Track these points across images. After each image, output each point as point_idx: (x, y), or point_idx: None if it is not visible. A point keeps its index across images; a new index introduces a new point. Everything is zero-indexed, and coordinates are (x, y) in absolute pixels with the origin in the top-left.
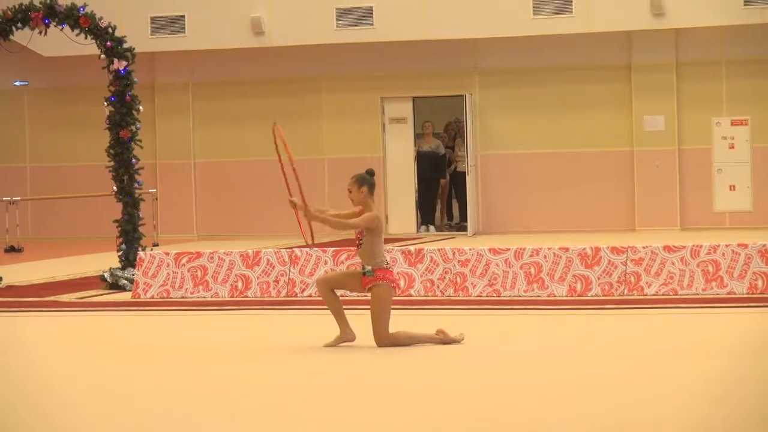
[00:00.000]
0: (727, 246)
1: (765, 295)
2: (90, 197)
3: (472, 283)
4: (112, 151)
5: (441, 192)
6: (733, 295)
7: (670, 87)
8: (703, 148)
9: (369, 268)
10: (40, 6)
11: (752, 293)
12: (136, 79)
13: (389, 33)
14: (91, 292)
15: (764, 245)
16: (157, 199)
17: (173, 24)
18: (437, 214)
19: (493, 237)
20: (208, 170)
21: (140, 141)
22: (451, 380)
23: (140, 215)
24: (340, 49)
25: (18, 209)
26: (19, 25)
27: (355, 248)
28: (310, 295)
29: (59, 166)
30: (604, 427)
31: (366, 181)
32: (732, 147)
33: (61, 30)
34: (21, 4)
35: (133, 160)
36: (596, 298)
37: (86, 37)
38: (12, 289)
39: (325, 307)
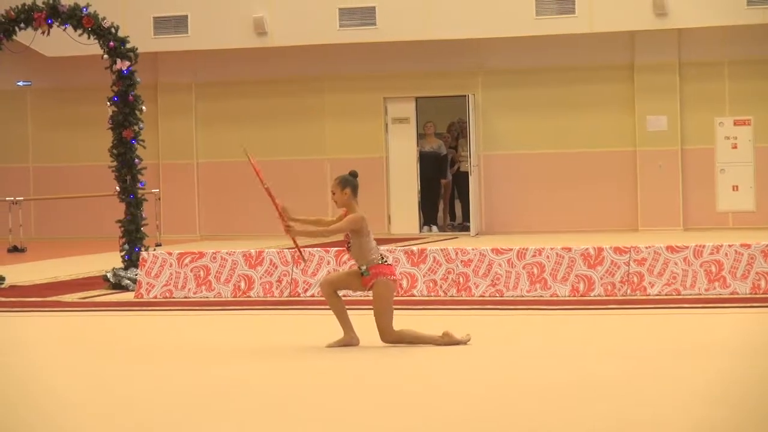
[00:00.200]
0: (730, 246)
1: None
2: (93, 197)
3: (474, 284)
4: (115, 151)
5: (444, 192)
6: (736, 296)
7: (673, 87)
8: (706, 148)
9: (364, 267)
10: (43, 6)
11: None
12: (139, 79)
13: (392, 33)
14: (93, 292)
15: (767, 245)
16: (159, 199)
17: (176, 24)
18: (440, 214)
19: (495, 237)
20: (211, 170)
21: (143, 141)
22: (454, 380)
23: (143, 215)
24: (342, 49)
25: (21, 209)
26: (22, 25)
27: (346, 250)
28: (312, 296)
29: (62, 166)
30: (606, 427)
31: (349, 182)
32: (735, 147)
33: (64, 30)
34: (24, 5)
35: (136, 160)
36: (599, 298)
37: (89, 38)
38: (15, 289)
39: (328, 307)
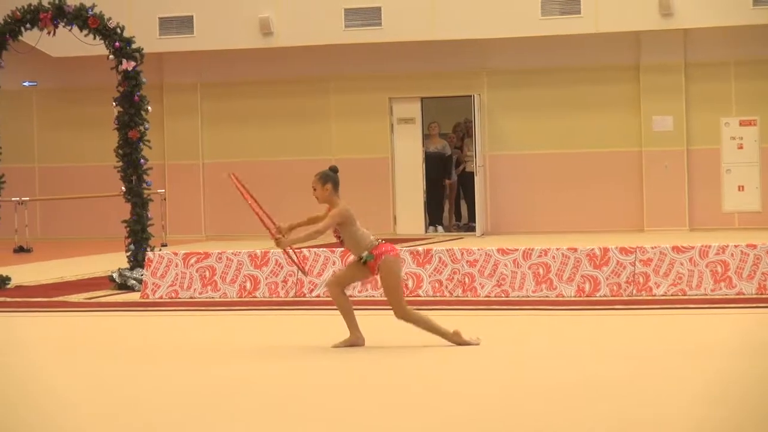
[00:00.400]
0: (736, 246)
1: None
2: (99, 198)
3: (480, 284)
4: (120, 152)
5: (449, 192)
6: (741, 296)
7: (678, 87)
8: (711, 148)
9: (365, 254)
10: (49, 6)
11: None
12: (144, 80)
13: (397, 33)
14: (99, 293)
15: None
16: (165, 199)
17: (182, 24)
18: (445, 214)
19: (501, 237)
20: (217, 170)
21: (149, 141)
22: (459, 381)
23: (149, 215)
24: (348, 49)
25: (27, 209)
26: (28, 25)
27: (340, 245)
28: (318, 296)
29: (68, 166)
30: (608, 427)
31: (330, 178)
32: (741, 147)
33: (70, 30)
34: (30, 5)
35: (142, 161)
36: (605, 298)
37: (95, 38)
38: (21, 290)
39: (333, 307)
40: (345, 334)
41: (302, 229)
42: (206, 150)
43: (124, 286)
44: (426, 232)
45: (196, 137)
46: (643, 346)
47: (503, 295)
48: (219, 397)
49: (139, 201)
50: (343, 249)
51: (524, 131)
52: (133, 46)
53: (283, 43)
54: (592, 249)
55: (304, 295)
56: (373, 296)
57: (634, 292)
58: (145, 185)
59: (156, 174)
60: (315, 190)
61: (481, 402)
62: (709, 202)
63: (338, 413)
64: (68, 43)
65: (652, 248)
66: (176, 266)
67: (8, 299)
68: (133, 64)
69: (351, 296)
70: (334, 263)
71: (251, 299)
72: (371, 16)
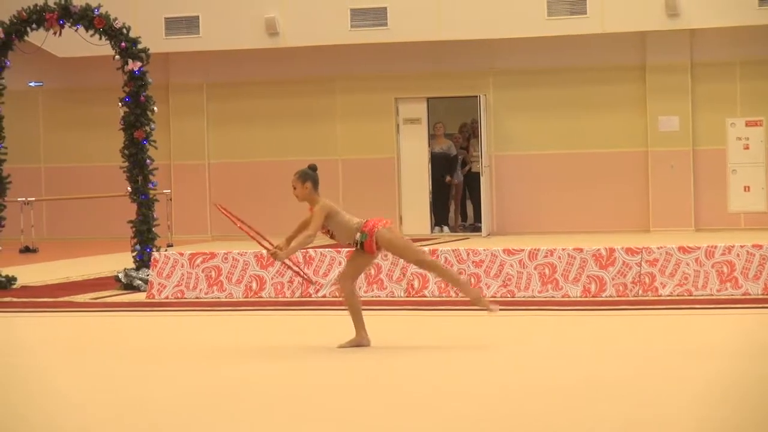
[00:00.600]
0: (741, 247)
1: None
2: (104, 198)
3: (486, 284)
4: (126, 152)
5: (455, 193)
6: (747, 296)
7: (684, 88)
8: (717, 148)
9: (358, 235)
10: (55, 7)
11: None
12: (150, 80)
13: (403, 33)
14: (105, 293)
15: None
16: (171, 199)
17: (187, 25)
18: (451, 214)
19: (507, 238)
20: (223, 171)
21: (155, 142)
22: (465, 381)
23: (154, 216)
24: (354, 49)
25: (33, 210)
26: (34, 26)
27: (334, 240)
28: (324, 296)
29: (74, 166)
30: (610, 427)
31: (309, 176)
32: (747, 148)
33: (76, 31)
34: (36, 5)
35: (148, 161)
36: (610, 299)
37: (101, 38)
38: (27, 290)
39: (340, 307)
40: (350, 334)
41: (298, 232)
42: (212, 150)
43: (130, 287)
44: (432, 232)
45: (202, 137)
46: (648, 347)
47: (509, 296)
48: (224, 398)
49: (145, 201)
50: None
51: (530, 131)
52: (139, 46)
53: (289, 44)
54: (598, 249)
55: (310, 296)
56: (379, 296)
57: (640, 292)
58: (150, 185)
59: (162, 174)
60: (295, 188)
61: (486, 402)
62: (715, 203)
63: (343, 413)
64: (74, 43)
65: (658, 248)
66: (182, 266)
67: (14, 299)
68: (139, 64)
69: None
70: (339, 263)
71: (257, 299)
72: (377, 17)
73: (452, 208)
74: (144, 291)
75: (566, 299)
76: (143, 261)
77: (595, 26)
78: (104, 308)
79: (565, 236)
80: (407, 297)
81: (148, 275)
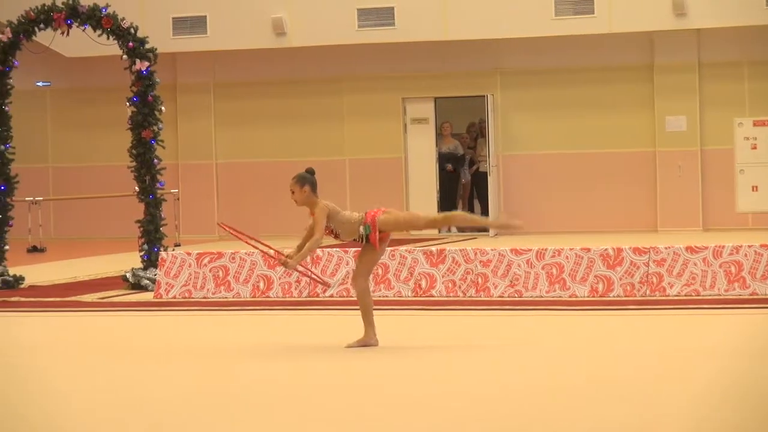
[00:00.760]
0: (749, 247)
1: None
2: (112, 197)
3: (493, 284)
4: (134, 152)
5: (462, 192)
6: (755, 296)
7: (692, 87)
8: (725, 148)
9: (361, 229)
10: (63, 7)
11: None
12: (158, 80)
13: (411, 33)
14: (113, 293)
15: None
16: (178, 199)
17: (195, 24)
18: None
19: (514, 237)
20: (230, 170)
21: (162, 141)
22: (472, 382)
23: (162, 215)
24: (361, 49)
25: (40, 209)
26: (42, 25)
27: (339, 240)
28: (332, 296)
29: (81, 166)
30: (615, 427)
31: (307, 180)
32: (754, 147)
33: (84, 31)
34: (44, 5)
35: (155, 161)
36: (618, 298)
37: (108, 38)
38: (34, 289)
39: (347, 307)
40: (358, 334)
41: (306, 240)
42: (219, 150)
43: (137, 286)
44: (439, 232)
45: (210, 137)
46: (657, 346)
47: (516, 296)
48: (231, 397)
49: (153, 201)
50: (355, 250)
51: (537, 131)
52: (147, 46)
53: (296, 43)
54: (606, 249)
55: (318, 296)
56: (386, 296)
57: (648, 292)
58: (158, 185)
59: (169, 174)
60: (293, 193)
61: (492, 402)
62: (723, 203)
63: (349, 414)
64: (82, 43)
65: (666, 248)
66: (189, 266)
67: (22, 299)
68: (146, 64)
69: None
70: (347, 263)
71: (264, 299)
72: (384, 16)
73: (460, 207)
74: (151, 291)
75: (574, 299)
76: (151, 261)
77: (602, 26)
78: (112, 308)
79: (573, 236)
80: (415, 297)
81: (155, 275)
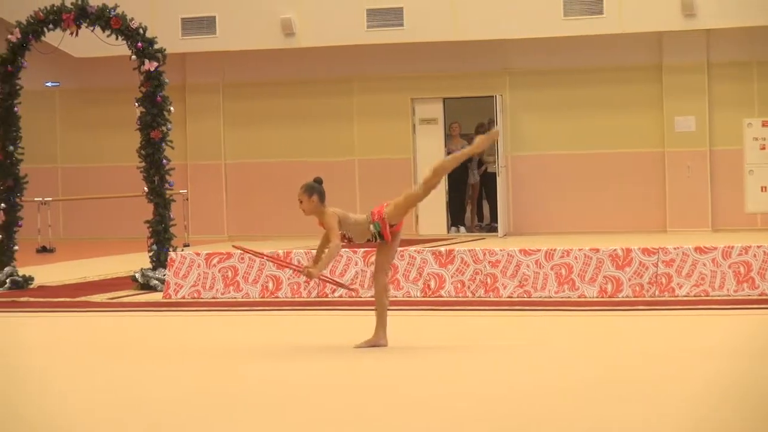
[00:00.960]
0: (758, 247)
1: None
2: (121, 198)
3: (502, 284)
4: (143, 152)
5: (471, 193)
6: (764, 297)
7: (701, 88)
8: (734, 149)
9: (372, 228)
10: (72, 7)
11: None
12: (167, 80)
13: (420, 34)
14: (122, 293)
15: None
16: (187, 199)
17: (204, 25)
18: (467, 215)
19: (523, 238)
20: (239, 171)
21: (171, 142)
22: (481, 382)
23: (171, 216)
24: (370, 50)
25: (49, 210)
26: (51, 26)
27: (351, 244)
28: (341, 296)
29: (90, 166)
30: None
31: (315, 189)
32: (763, 148)
33: (92, 31)
34: (53, 6)
35: (164, 161)
36: (627, 299)
37: (117, 38)
38: (44, 290)
39: (356, 308)
40: (367, 334)
41: (324, 255)
42: (228, 150)
43: (146, 287)
44: (448, 232)
45: (219, 137)
46: (666, 347)
47: (525, 296)
48: (241, 397)
49: (162, 201)
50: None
51: (546, 132)
52: (156, 46)
53: (306, 44)
54: (615, 250)
55: (327, 296)
56: (396, 296)
57: (657, 292)
58: (167, 185)
59: (178, 174)
60: (301, 202)
61: (500, 403)
62: (732, 203)
63: (357, 414)
64: (91, 43)
65: (675, 249)
66: (198, 266)
67: (31, 299)
68: (155, 64)
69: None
70: (356, 263)
71: (273, 299)
72: (393, 17)
73: (469, 208)
74: (160, 291)
75: (583, 299)
76: (160, 261)
77: (612, 26)
78: (121, 308)
79: (582, 236)
80: (424, 297)
81: (164, 275)
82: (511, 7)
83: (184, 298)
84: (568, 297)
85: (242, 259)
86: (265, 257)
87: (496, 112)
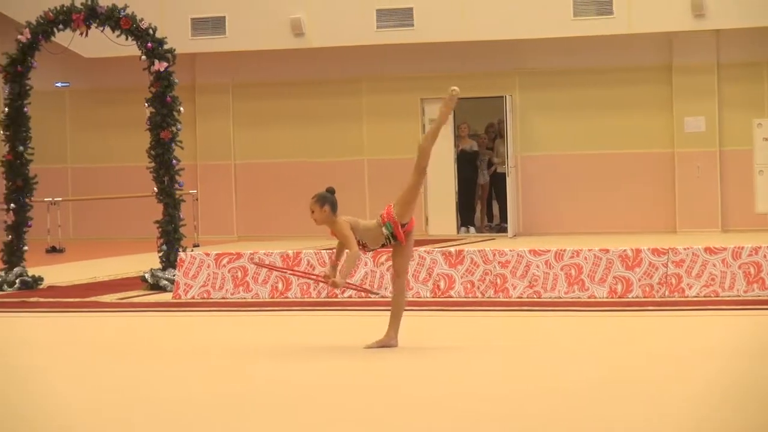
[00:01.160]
0: None
1: None
2: (131, 198)
3: (512, 285)
4: (152, 152)
5: (481, 193)
6: None
7: (711, 88)
8: (744, 149)
9: (385, 231)
10: (82, 8)
11: None
12: (176, 81)
13: (429, 34)
14: (132, 293)
15: None
16: (197, 200)
17: (214, 25)
18: (477, 215)
19: (533, 238)
20: (249, 171)
21: (181, 142)
22: (491, 382)
23: (181, 216)
24: (380, 50)
25: (59, 210)
26: (61, 26)
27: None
28: (350, 296)
29: (100, 167)
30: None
31: (327, 199)
32: None
33: (102, 31)
34: (63, 6)
35: (174, 161)
36: (637, 299)
37: (127, 39)
38: (53, 290)
39: (366, 308)
40: (377, 334)
41: (344, 263)
42: (238, 150)
43: (156, 287)
44: (458, 233)
45: (228, 138)
46: (675, 347)
47: (535, 296)
48: (249, 397)
49: (171, 201)
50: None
51: (556, 132)
52: (166, 46)
53: (315, 44)
54: (625, 250)
55: (336, 296)
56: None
57: (667, 293)
58: (177, 186)
59: (188, 174)
60: (313, 212)
61: (510, 403)
62: (742, 204)
63: (366, 414)
64: (100, 44)
65: (685, 249)
66: (208, 267)
67: (41, 299)
68: (165, 64)
69: (384, 296)
70: (365, 264)
71: (283, 300)
72: (403, 17)
73: (478, 208)
74: (170, 291)
75: (592, 300)
76: (169, 261)
77: (621, 27)
78: (130, 308)
79: (591, 237)
80: (433, 298)
81: (174, 275)
82: (520, 7)
83: (193, 298)
84: (578, 297)
85: (252, 259)
86: (287, 271)
87: (506, 112)
